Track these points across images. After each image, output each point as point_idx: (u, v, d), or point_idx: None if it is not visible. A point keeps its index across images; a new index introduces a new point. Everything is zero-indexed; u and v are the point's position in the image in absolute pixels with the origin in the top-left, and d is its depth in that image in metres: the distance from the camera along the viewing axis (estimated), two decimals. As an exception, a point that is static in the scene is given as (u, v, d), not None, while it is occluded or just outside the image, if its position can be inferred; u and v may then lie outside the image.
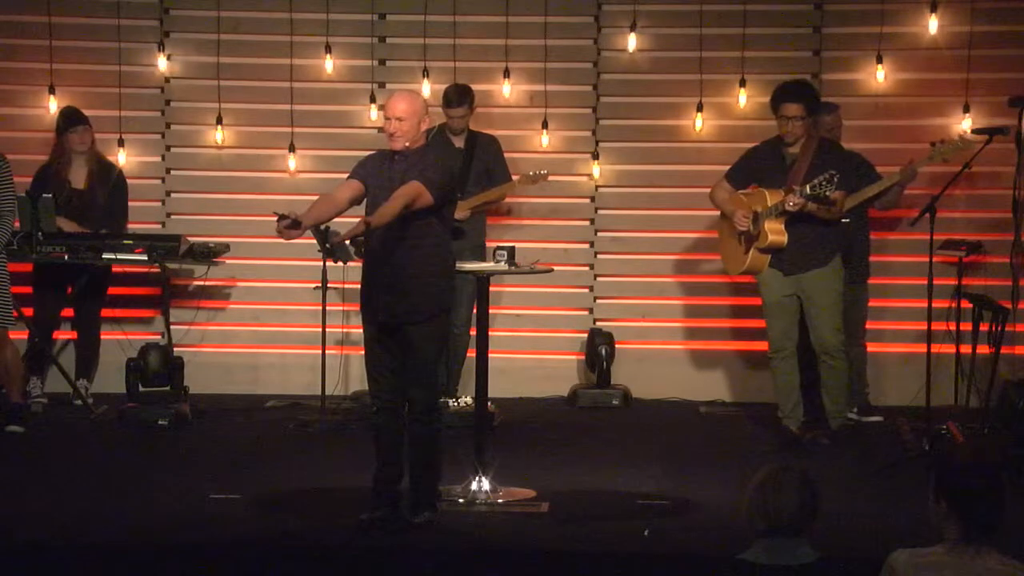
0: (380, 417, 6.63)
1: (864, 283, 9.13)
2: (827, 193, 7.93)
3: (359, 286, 6.71)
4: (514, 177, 9.32)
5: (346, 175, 6.72)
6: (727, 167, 9.19)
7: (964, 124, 9.60)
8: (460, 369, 9.31)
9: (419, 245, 6.51)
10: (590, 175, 10.05)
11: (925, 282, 8.17)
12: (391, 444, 6.60)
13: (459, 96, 9.20)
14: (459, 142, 9.27)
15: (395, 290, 6.50)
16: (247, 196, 10.10)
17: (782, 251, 8.24)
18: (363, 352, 6.73)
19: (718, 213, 9.10)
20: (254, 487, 7.31)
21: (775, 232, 8.20)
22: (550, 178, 9.42)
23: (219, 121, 10.03)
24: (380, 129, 9.90)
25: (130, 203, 9.58)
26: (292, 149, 10.02)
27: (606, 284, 10.15)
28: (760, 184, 8.31)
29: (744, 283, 9.88)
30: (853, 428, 8.33)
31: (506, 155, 9.42)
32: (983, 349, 8.60)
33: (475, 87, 9.37)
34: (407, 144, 6.52)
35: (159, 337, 9.76)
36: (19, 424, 8.58)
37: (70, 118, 9.38)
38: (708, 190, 9.76)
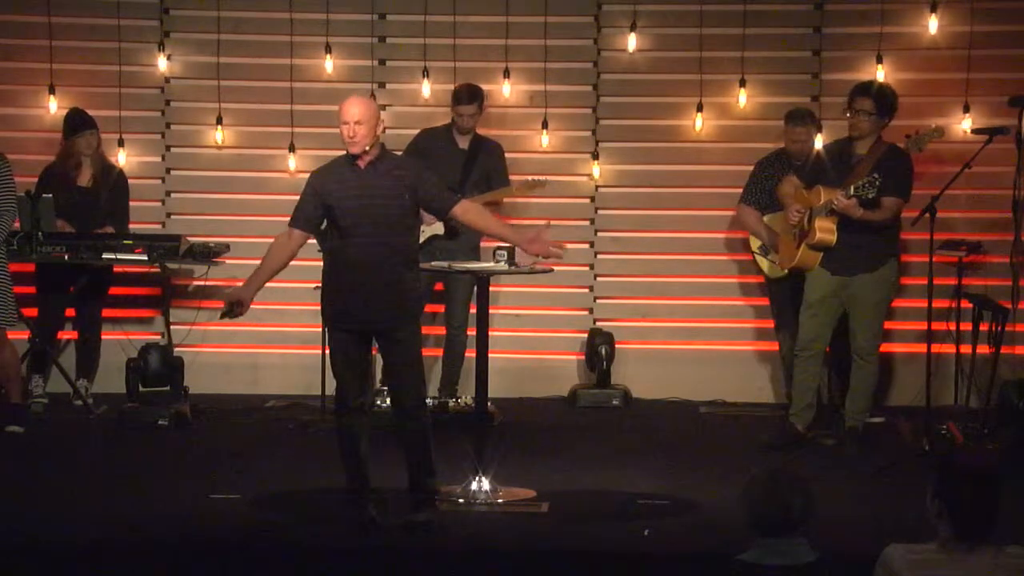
0: (350, 419, 6.65)
1: None
2: (868, 196, 7.89)
3: (326, 294, 6.64)
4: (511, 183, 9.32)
5: None
6: (727, 167, 9.20)
7: (964, 124, 9.61)
8: (460, 369, 9.31)
9: (407, 250, 6.57)
10: (590, 175, 10.04)
11: (925, 282, 8.16)
12: (361, 444, 6.65)
13: (470, 94, 9.20)
14: (463, 143, 9.26)
15: (389, 295, 6.51)
16: (247, 196, 10.11)
17: (832, 251, 8.20)
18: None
19: (719, 212, 9.16)
20: (254, 487, 7.32)
21: (824, 230, 8.14)
22: (550, 178, 9.40)
23: (219, 121, 10.03)
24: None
25: (130, 203, 9.57)
26: (292, 149, 10.01)
27: (606, 284, 10.14)
28: (823, 181, 8.23)
29: (745, 283, 9.90)
30: (860, 430, 8.33)
31: (506, 155, 9.41)
32: (983, 349, 8.61)
33: (476, 87, 9.38)
34: (366, 148, 6.53)
35: (159, 337, 9.76)
36: (19, 424, 8.57)
37: (75, 123, 9.36)
38: (708, 190, 9.83)
